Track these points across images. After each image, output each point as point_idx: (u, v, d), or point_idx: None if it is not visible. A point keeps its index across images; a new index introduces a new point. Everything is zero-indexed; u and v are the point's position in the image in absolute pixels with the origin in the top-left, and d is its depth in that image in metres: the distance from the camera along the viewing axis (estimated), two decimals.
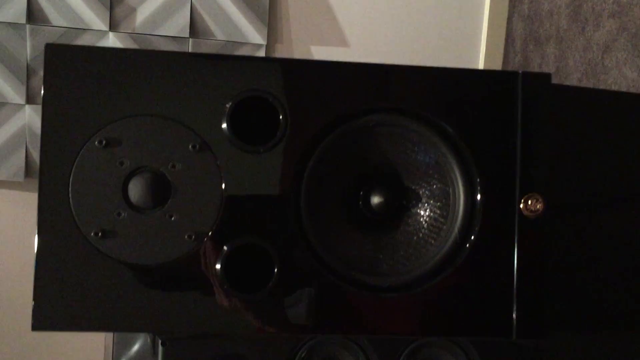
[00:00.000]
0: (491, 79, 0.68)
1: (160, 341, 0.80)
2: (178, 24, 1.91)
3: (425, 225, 0.69)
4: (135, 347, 0.99)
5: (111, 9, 1.87)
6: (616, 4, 1.60)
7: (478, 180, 0.67)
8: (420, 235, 0.68)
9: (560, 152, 0.69)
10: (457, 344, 0.97)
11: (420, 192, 0.69)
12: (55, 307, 0.63)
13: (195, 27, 1.91)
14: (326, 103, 0.66)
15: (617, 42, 1.59)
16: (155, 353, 0.84)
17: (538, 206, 0.66)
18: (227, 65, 0.66)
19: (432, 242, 0.68)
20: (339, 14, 1.98)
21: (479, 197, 0.67)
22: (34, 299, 0.63)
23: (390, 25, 1.99)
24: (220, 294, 0.66)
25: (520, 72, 0.67)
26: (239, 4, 1.91)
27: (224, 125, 0.65)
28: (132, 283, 0.65)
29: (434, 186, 0.69)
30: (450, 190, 0.68)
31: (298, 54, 1.95)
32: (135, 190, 0.64)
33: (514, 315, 0.67)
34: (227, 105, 0.65)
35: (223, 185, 0.65)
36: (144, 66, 0.65)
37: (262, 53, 1.93)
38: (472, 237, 0.67)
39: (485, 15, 2.04)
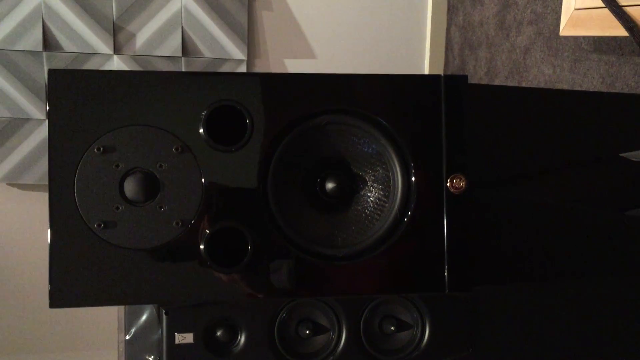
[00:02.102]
0: (420, 82, 0.69)
1: (164, 311, 0.80)
2: (172, 46, 1.89)
3: (371, 205, 0.70)
4: (144, 317, 0.99)
5: (114, 35, 1.86)
6: (533, 13, 1.62)
7: (412, 165, 0.68)
8: (368, 212, 0.70)
9: (479, 139, 0.71)
10: (409, 300, 0.98)
11: (366, 178, 0.70)
12: (67, 287, 0.63)
13: (186, 48, 1.90)
14: (284, 108, 0.67)
15: (535, 45, 1.61)
16: (160, 322, 0.85)
17: (461, 184, 0.68)
18: (202, 80, 0.67)
19: (378, 217, 0.69)
20: (307, 32, 1.98)
21: (413, 179, 0.68)
22: (50, 281, 0.63)
23: (350, 39, 2.00)
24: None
25: (442, 75, 0.68)
26: (222, 26, 1.91)
27: (201, 131, 0.66)
28: (131, 264, 0.65)
29: (377, 172, 0.70)
30: (390, 175, 0.69)
31: (274, 66, 1.95)
32: (130, 187, 0.64)
33: (446, 274, 0.69)
34: (203, 114, 0.66)
35: (203, 180, 0.66)
36: (132, 84, 0.65)
37: (243, 67, 1.92)
38: (409, 212, 0.68)
39: (428, 27, 2.05)
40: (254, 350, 0.84)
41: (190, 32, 1.90)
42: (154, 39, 1.89)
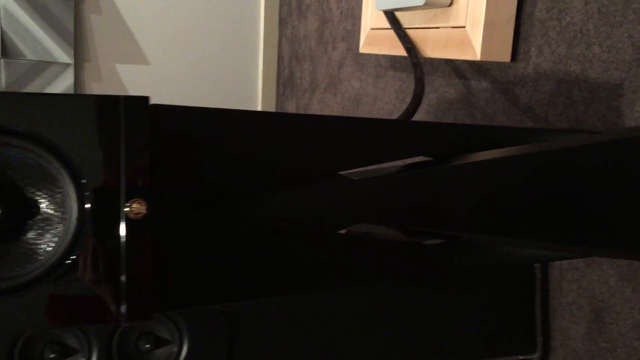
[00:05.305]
0: (98, 103, 0.62)
1: None
2: None
3: (45, 231, 0.62)
4: None
5: None
6: (345, 30, 1.61)
7: (88, 190, 0.61)
8: (40, 239, 0.62)
9: (170, 161, 0.65)
10: (167, 317, 0.92)
11: (40, 203, 0.62)
12: None
13: (6, 48, 1.71)
14: None
15: (346, 60, 1.61)
16: None
17: (142, 210, 0.62)
18: None
19: (52, 244, 0.61)
20: (139, 38, 1.85)
21: (88, 205, 0.61)
22: None
23: (184, 47, 1.90)
24: None
25: (121, 96, 0.62)
26: (46, 28, 1.73)
27: None
28: None
29: (52, 197, 0.62)
30: (66, 200, 0.61)
31: (105, 72, 1.81)
32: None
33: (125, 303, 0.62)
34: None
35: None
36: None
37: (70, 71, 1.76)
38: (84, 238, 0.61)
39: (260, 38, 2.00)
40: None
41: (10, 33, 1.71)
42: None
